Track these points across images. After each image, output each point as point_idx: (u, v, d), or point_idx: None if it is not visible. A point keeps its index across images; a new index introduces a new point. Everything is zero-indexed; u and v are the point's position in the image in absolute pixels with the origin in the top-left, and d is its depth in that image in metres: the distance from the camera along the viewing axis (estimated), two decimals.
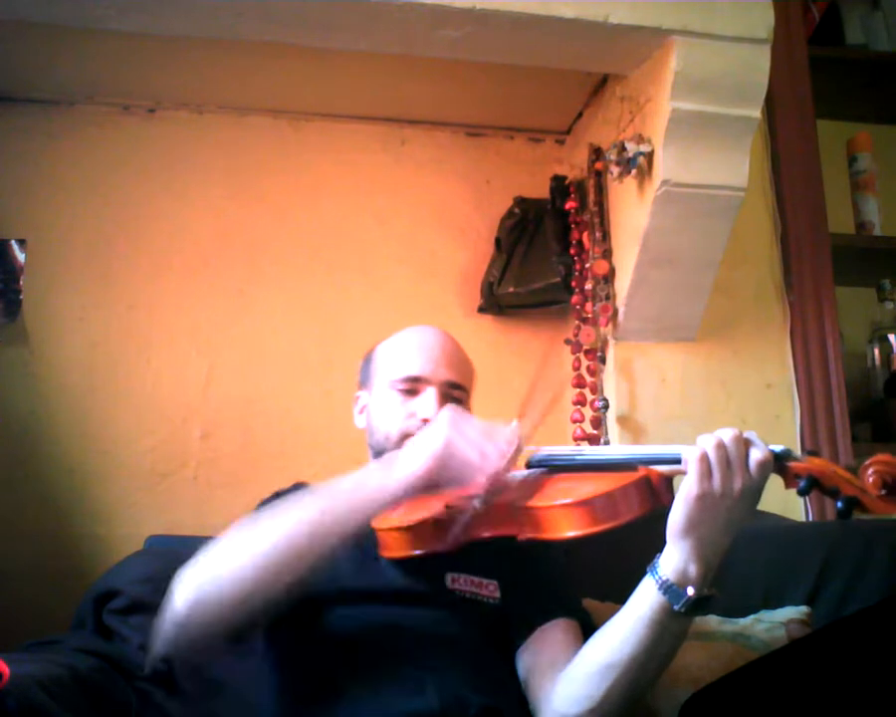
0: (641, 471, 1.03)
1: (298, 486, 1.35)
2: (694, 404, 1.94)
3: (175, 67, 1.92)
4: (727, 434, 0.98)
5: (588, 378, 1.93)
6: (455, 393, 1.34)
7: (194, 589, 1.02)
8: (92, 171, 2.00)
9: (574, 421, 1.92)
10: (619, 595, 1.34)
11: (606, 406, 1.88)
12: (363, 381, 1.43)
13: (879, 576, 1.50)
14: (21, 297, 1.88)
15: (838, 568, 1.53)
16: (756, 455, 0.97)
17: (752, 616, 1.46)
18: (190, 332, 1.98)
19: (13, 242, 1.90)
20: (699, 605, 0.98)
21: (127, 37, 1.69)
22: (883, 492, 0.91)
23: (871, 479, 0.92)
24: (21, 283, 1.89)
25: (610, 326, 1.91)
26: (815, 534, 1.63)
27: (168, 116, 2.07)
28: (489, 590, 1.24)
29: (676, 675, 1.22)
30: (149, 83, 2.00)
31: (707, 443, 0.97)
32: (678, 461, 1.00)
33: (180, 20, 1.59)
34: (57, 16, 1.57)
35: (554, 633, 1.19)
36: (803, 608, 1.48)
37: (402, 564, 1.20)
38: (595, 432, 1.88)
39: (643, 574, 1.03)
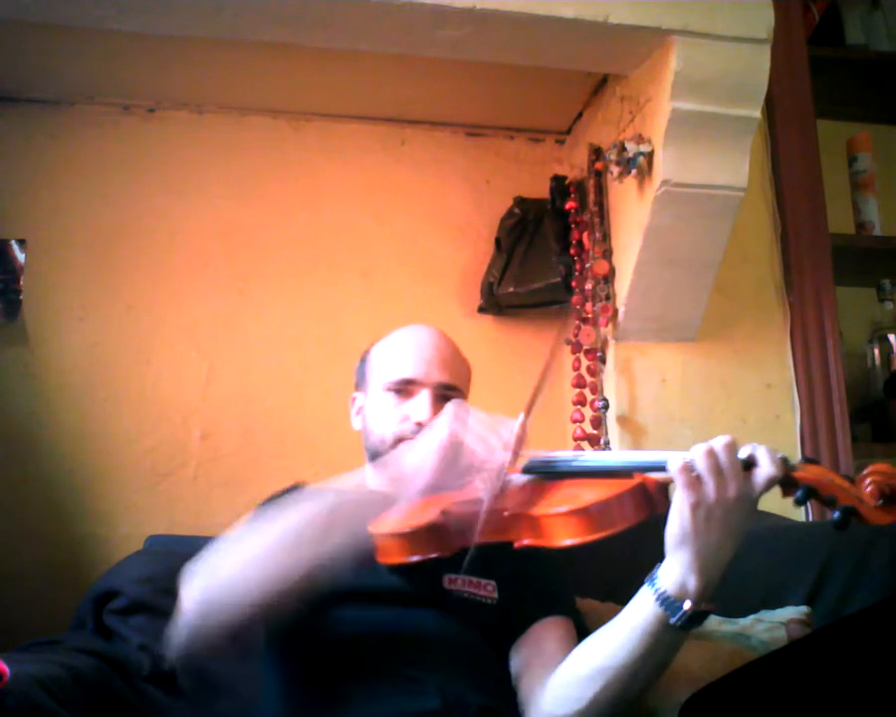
0: (637, 479, 1.02)
1: (295, 487, 1.35)
2: (694, 405, 1.94)
3: (175, 67, 1.92)
4: (718, 442, 0.97)
5: (588, 378, 1.93)
6: (449, 395, 1.33)
7: (201, 591, 1.02)
8: (92, 171, 2.00)
9: (574, 421, 1.92)
10: (620, 595, 1.34)
11: (606, 406, 1.88)
12: (359, 383, 1.43)
13: (879, 576, 1.50)
14: (21, 297, 1.88)
15: (838, 568, 1.53)
16: (763, 472, 0.96)
17: (752, 616, 1.46)
18: (190, 332, 1.98)
19: (13, 242, 1.90)
20: (695, 620, 0.98)
21: (127, 37, 1.69)
22: (880, 502, 0.91)
23: (869, 489, 0.92)
24: (21, 283, 1.89)
25: (610, 326, 1.91)
26: (815, 534, 1.63)
27: (168, 116, 2.07)
28: (487, 590, 1.23)
29: (676, 675, 1.22)
30: (149, 83, 1.99)
31: (696, 452, 0.97)
32: None
33: (180, 20, 1.59)
34: (57, 16, 1.56)
35: (547, 631, 1.19)
36: (803, 608, 1.48)
37: (400, 566, 1.20)
38: (595, 432, 1.88)
39: (643, 575, 1.03)
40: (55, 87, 1.99)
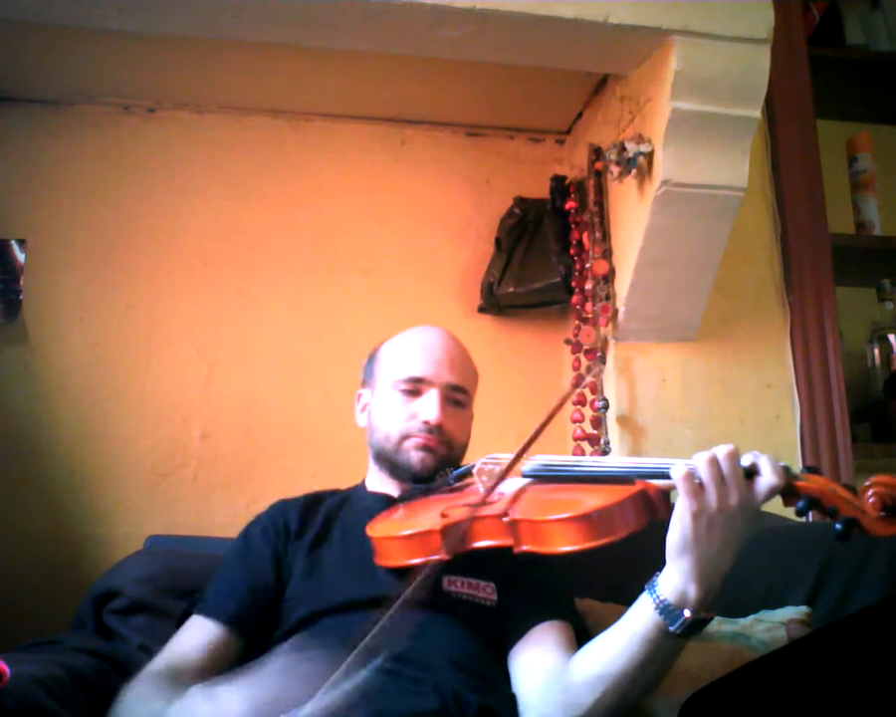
0: (639, 485, 1.02)
1: (280, 504, 1.37)
2: (694, 405, 1.93)
3: (175, 67, 1.92)
4: (721, 451, 0.97)
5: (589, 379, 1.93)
6: (457, 396, 1.34)
7: None
8: (92, 171, 2.00)
9: (574, 421, 1.91)
10: (620, 595, 1.34)
11: (606, 406, 1.88)
12: (366, 379, 1.43)
13: (879, 576, 1.50)
14: (21, 297, 1.88)
15: (838, 568, 1.53)
16: (765, 482, 0.96)
17: (752, 616, 1.46)
18: (190, 332, 1.98)
19: (13, 242, 1.90)
20: (695, 628, 0.98)
21: (127, 37, 1.69)
22: (882, 514, 0.90)
23: (871, 500, 0.91)
24: (21, 283, 1.89)
25: (610, 326, 1.91)
26: (815, 534, 1.63)
27: (168, 116, 2.07)
28: (486, 591, 1.23)
29: (676, 675, 1.21)
30: (149, 83, 1.99)
31: (699, 460, 0.97)
32: None
33: (180, 20, 1.59)
34: (57, 16, 1.56)
35: (547, 635, 1.19)
36: (803, 608, 1.47)
37: (399, 569, 1.20)
38: (595, 432, 1.88)
39: (644, 575, 1.02)
40: (55, 87, 1.99)
